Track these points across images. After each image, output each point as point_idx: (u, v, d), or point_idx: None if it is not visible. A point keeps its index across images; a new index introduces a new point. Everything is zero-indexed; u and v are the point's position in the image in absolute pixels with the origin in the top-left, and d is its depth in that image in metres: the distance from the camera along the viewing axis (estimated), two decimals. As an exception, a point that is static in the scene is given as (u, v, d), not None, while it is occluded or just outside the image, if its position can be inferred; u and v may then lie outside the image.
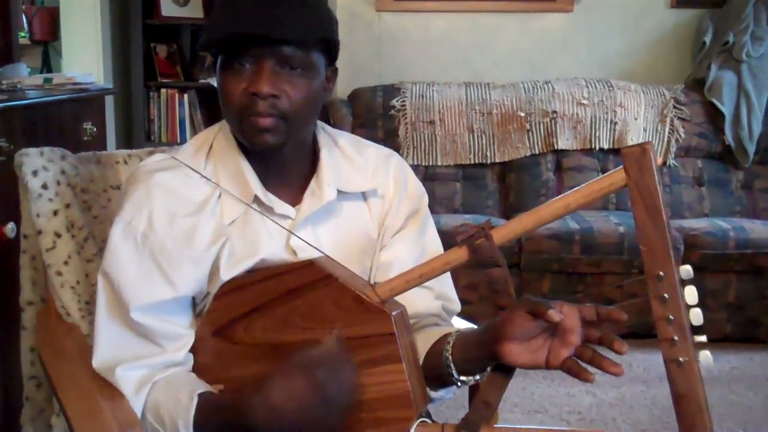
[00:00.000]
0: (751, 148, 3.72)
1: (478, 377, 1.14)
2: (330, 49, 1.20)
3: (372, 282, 1.26)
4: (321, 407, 1.02)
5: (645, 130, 3.80)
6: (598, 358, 1.02)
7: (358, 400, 1.10)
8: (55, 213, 1.42)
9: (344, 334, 1.12)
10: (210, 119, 3.97)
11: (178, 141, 3.94)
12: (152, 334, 1.18)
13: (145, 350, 1.19)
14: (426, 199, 1.36)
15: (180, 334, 1.20)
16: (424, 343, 1.21)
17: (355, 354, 1.11)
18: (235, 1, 1.14)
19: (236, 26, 1.11)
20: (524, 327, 1.04)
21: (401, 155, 1.39)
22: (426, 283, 1.18)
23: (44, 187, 1.42)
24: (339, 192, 1.25)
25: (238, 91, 1.14)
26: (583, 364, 1.03)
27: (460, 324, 1.41)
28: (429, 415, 1.22)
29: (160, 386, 1.17)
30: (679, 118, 3.79)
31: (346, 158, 1.30)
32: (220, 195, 1.22)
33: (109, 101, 3.52)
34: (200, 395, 1.13)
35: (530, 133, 3.77)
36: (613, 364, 1.00)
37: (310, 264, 1.16)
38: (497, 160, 3.79)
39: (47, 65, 3.92)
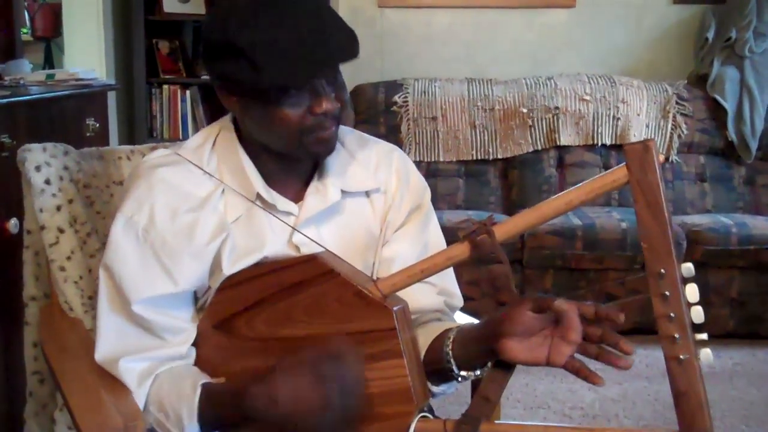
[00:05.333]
0: (754, 144, 3.72)
1: (478, 372, 1.15)
2: None
3: (374, 277, 1.27)
4: (321, 408, 1.02)
5: (647, 126, 3.79)
6: (603, 354, 1.02)
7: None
8: (58, 208, 1.42)
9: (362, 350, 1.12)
10: (212, 115, 3.96)
11: (180, 137, 3.94)
12: (154, 327, 1.19)
13: (148, 343, 1.19)
14: (428, 194, 1.36)
15: (182, 327, 1.21)
16: (425, 338, 1.21)
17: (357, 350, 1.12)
18: (291, 35, 1.09)
19: (321, 63, 1.11)
20: (525, 324, 1.04)
21: (403, 151, 1.39)
22: (428, 279, 1.18)
23: (47, 182, 1.42)
24: (342, 191, 1.26)
25: (299, 114, 1.14)
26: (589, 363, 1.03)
27: (463, 320, 1.42)
28: (431, 410, 1.22)
29: (163, 378, 1.18)
30: (682, 114, 3.79)
31: (349, 155, 1.30)
32: (223, 191, 1.22)
33: (112, 97, 3.52)
34: (203, 385, 1.14)
35: (532, 129, 3.77)
36: (620, 358, 1.01)
37: (312, 259, 1.16)
38: (499, 156, 3.79)
39: (50, 61, 3.92)
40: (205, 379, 1.17)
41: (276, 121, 1.14)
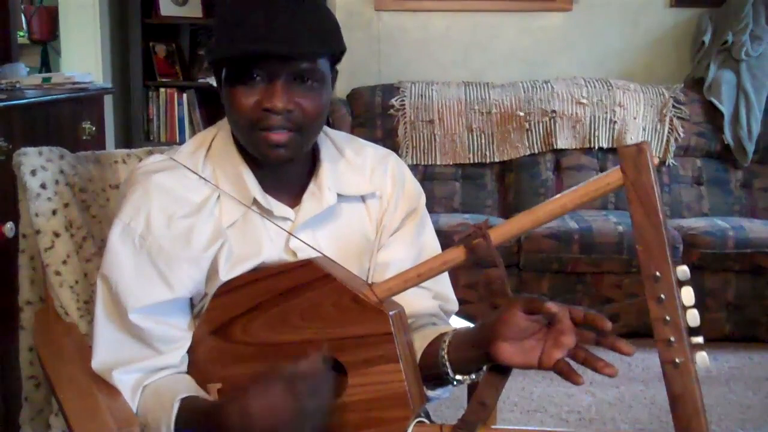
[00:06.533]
0: (750, 148, 3.72)
1: (474, 376, 1.15)
2: (335, 55, 1.21)
3: (369, 282, 1.26)
4: (295, 423, 1.01)
5: (644, 129, 3.80)
6: (591, 360, 1.02)
7: (356, 399, 1.11)
8: (54, 212, 1.42)
9: (331, 353, 1.11)
10: (209, 119, 3.96)
11: (177, 140, 3.94)
12: (149, 337, 1.18)
13: (141, 353, 1.19)
14: (423, 199, 1.36)
15: (177, 336, 1.20)
16: (420, 342, 1.21)
17: (353, 354, 1.11)
18: (248, 15, 1.11)
19: (252, 43, 1.10)
20: (518, 327, 1.04)
21: (400, 155, 1.39)
22: (423, 283, 1.18)
23: (43, 186, 1.42)
24: (338, 195, 1.26)
25: (250, 105, 1.14)
26: (577, 366, 1.03)
27: (459, 323, 1.42)
28: (428, 414, 1.22)
29: (148, 391, 1.18)
30: (678, 117, 3.79)
31: (344, 160, 1.30)
32: (218, 196, 1.22)
33: (108, 101, 3.52)
34: (182, 400, 1.13)
35: (529, 132, 3.77)
36: (606, 365, 1.01)
37: (308, 263, 1.16)
38: (496, 160, 3.79)
39: (46, 65, 3.91)
40: (185, 392, 1.15)
41: (233, 108, 1.16)
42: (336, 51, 1.19)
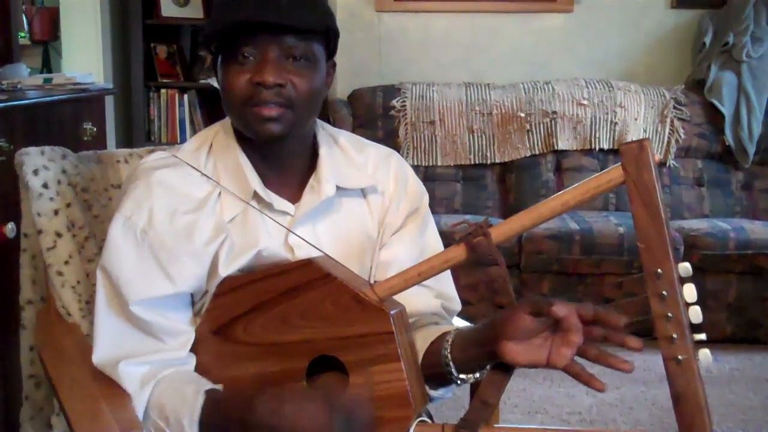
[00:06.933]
0: (751, 149, 3.72)
1: (477, 375, 1.14)
2: (330, 42, 1.21)
3: (371, 281, 1.26)
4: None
5: (645, 130, 3.80)
6: (603, 356, 1.01)
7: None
8: (56, 212, 1.42)
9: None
10: (210, 119, 3.96)
11: (178, 141, 3.94)
12: (152, 328, 1.18)
13: (146, 346, 1.18)
14: (426, 198, 1.37)
15: (180, 330, 1.20)
16: (423, 341, 1.21)
17: (354, 353, 1.11)
18: None
19: (242, 15, 1.12)
20: (524, 327, 1.03)
21: (401, 155, 1.39)
22: (425, 282, 1.18)
23: (45, 186, 1.42)
24: (338, 188, 1.26)
25: (242, 82, 1.15)
26: (589, 366, 1.03)
27: (460, 324, 1.41)
28: (430, 415, 1.22)
29: (164, 384, 1.17)
30: (679, 118, 3.79)
31: (345, 156, 1.30)
32: (220, 193, 1.22)
33: (109, 101, 3.52)
34: (207, 392, 1.13)
35: (530, 133, 3.77)
36: (622, 361, 1.00)
37: (308, 263, 1.16)
38: (497, 161, 3.79)
39: (47, 65, 3.93)
40: (208, 385, 1.15)
41: (226, 88, 1.17)
42: (324, 27, 1.19)
